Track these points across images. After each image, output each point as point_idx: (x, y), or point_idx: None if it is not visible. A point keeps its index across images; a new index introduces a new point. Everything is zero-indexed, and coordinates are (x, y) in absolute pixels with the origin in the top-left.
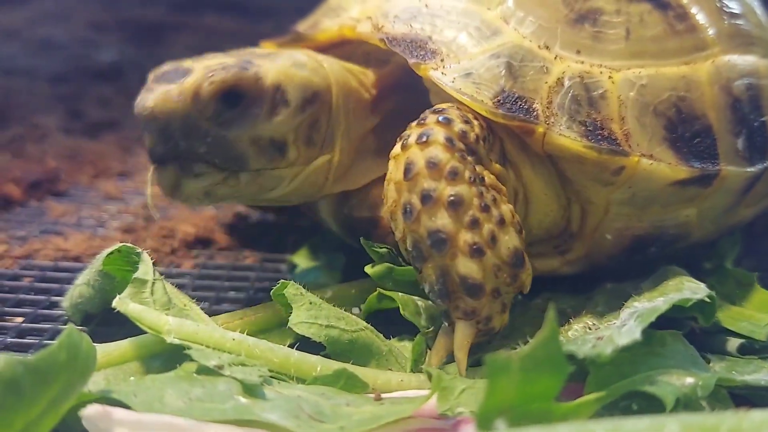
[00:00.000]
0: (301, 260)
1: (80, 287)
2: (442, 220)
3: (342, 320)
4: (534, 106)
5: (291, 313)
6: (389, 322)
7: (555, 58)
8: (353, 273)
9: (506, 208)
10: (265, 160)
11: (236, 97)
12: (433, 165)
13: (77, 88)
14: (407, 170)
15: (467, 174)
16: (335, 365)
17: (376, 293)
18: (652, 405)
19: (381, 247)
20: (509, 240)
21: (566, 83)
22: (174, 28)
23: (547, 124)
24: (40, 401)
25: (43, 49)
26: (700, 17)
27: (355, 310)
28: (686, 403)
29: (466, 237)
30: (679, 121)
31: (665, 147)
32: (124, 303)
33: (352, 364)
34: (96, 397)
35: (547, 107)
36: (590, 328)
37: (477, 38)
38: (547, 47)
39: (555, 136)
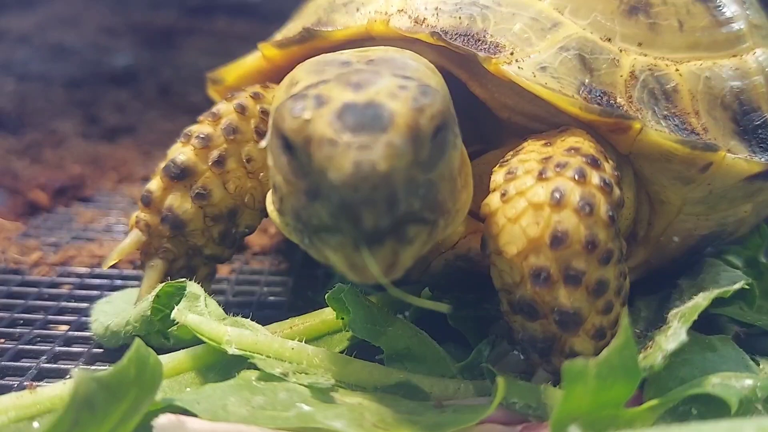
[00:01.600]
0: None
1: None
2: (580, 303)
3: (397, 325)
4: (618, 100)
5: (342, 318)
6: (434, 329)
7: (620, 51)
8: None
9: (627, 282)
10: (455, 196)
11: (438, 129)
12: (592, 247)
13: (92, 93)
14: (557, 238)
15: (616, 255)
16: (395, 373)
17: None
18: (710, 409)
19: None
20: (621, 310)
21: (639, 77)
22: (185, 32)
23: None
24: (112, 417)
25: (55, 54)
26: (733, 9)
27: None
28: (745, 407)
29: (595, 321)
30: (742, 114)
31: (737, 141)
32: (182, 314)
33: (408, 370)
34: (162, 406)
35: (629, 102)
36: (639, 337)
37: (538, 30)
38: (609, 39)
39: (651, 132)
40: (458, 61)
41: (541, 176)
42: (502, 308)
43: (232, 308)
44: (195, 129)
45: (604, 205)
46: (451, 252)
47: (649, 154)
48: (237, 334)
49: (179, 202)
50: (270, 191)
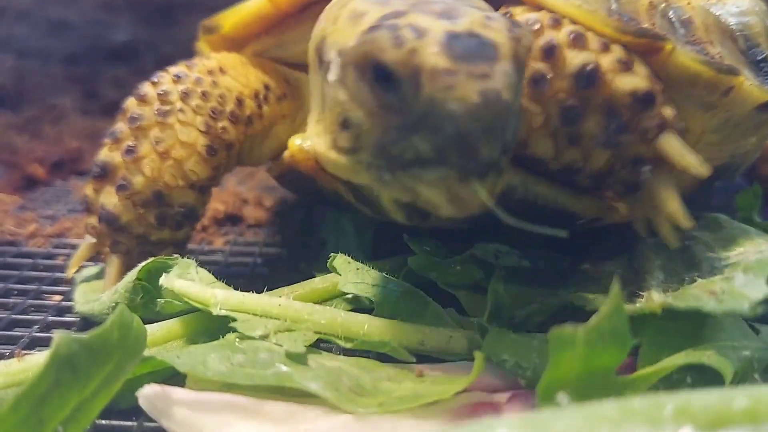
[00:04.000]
0: (330, 236)
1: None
2: (580, 57)
3: (390, 282)
4: (645, 26)
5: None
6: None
7: None
8: (382, 249)
9: None
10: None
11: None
12: (578, 38)
13: (91, 69)
14: (546, 51)
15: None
16: (384, 323)
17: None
18: (704, 378)
19: (425, 244)
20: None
21: (658, 6)
22: (186, 8)
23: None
24: (94, 379)
25: (55, 30)
26: None
27: None
28: (742, 376)
29: (604, 58)
30: (747, 47)
31: (748, 70)
32: (170, 279)
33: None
34: (148, 370)
35: (653, 27)
36: (667, 285)
37: None
38: None
39: (681, 53)
40: None
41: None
42: (594, 177)
43: (224, 279)
44: (110, 130)
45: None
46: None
47: (676, 77)
48: (224, 295)
49: (108, 198)
50: (318, 130)
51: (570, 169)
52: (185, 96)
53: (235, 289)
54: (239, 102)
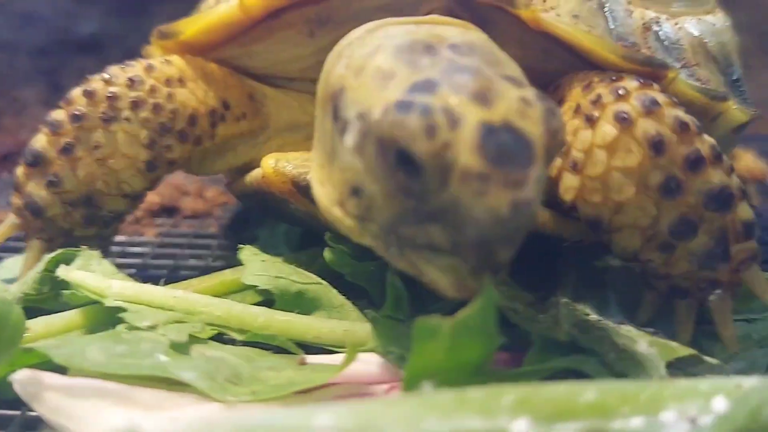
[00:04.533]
0: (263, 231)
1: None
2: (717, 176)
3: (295, 274)
4: (643, 50)
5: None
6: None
7: (628, 2)
8: (309, 245)
9: None
10: None
11: None
12: (683, 125)
13: (58, 61)
14: (656, 146)
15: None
16: (279, 315)
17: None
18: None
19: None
20: None
21: (650, 28)
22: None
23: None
24: None
25: (23, 22)
26: None
27: None
28: None
29: (734, 182)
30: (725, 67)
31: (729, 91)
32: (67, 271)
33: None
34: (34, 361)
35: (650, 52)
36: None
37: None
38: None
39: (682, 82)
40: (464, 7)
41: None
42: (656, 273)
43: (149, 270)
44: (52, 115)
45: (659, 94)
46: None
47: None
48: (119, 287)
49: (36, 189)
50: (321, 178)
51: (632, 256)
52: (135, 106)
53: (156, 281)
54: (192, 120)
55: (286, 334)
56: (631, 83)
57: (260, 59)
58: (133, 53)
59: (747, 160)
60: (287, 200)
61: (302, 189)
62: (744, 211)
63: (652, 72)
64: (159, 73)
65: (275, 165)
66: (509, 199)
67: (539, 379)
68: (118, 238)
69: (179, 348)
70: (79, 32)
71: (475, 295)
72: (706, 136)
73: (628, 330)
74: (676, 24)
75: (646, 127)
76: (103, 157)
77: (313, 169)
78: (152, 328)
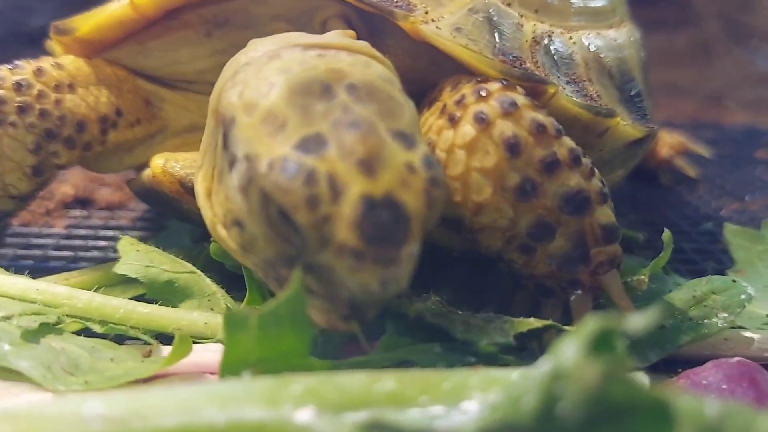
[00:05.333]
0: (172, 221)
1: None
2: (574, 179)
3: (168, 264)
4: (527, 65)
5: None
6: None
7: (521, 16)
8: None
9: None
10: None
11: None
12: (540, 128)
13: (10, 54)
14: (512, 147)
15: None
16: (140, 308)
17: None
18: None
19: None
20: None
21: (541, 42)
22: None
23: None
24: None
25: None
26: None
27: None
28: None
29: (593, 186)
30: (623, 83)
31: (622, 108)
32: None
33: (163, 304)
34: None
35: (537, 67)
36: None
37: None
38: (509, 4)
39: (563, 96)
40: (360, 16)
41: (456, 120)
42: (520, 273)
43: (49, 261)
44: None
45: (519, 96)
46: None
47: (556, 117)
48: None
49: None
50: (205, 188)
51: (496, 255)
52: (21, 110)
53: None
54: (80, 126)
55: (146, 325)
56: (493, 85)
57: (157, 58)
58: None
59: (666, 139)
60: (180, 199)
61: (190, 190)
62: (604, 215)
63: (531, 87)
64: (48, 77)
65: (164, 165)
66: (380, 276)
67: (387, 367)
68: (25, 229)
69: (28, 338)
70: (31, 25)
71: (344, 332)
72: (566, 139)
73: (485, 315)
74: (571, 39)
75: (503, 128)
76: None
77: (199, 175)
78: (6, 318)
